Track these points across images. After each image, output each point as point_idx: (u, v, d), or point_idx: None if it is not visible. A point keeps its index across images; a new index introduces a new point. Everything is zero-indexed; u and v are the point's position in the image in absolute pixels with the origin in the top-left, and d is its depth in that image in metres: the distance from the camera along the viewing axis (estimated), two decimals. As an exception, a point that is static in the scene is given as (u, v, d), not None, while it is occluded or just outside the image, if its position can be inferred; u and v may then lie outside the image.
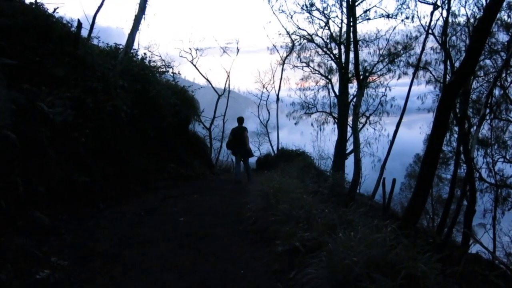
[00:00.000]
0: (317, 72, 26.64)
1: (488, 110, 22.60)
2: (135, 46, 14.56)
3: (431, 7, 22.90)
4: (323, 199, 7.98)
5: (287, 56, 26.81)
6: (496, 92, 23.27)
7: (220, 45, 26.11)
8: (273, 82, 28.59)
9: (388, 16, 23.92)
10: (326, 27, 25.09)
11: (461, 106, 20.47)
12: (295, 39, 26.08)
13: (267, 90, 28.44)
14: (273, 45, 27.01)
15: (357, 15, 23.09)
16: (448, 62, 22.08)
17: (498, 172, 24.39)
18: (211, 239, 6.93)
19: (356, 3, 22.93)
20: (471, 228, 19.44)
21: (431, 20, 23.08)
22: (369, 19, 24.37)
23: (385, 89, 25.59)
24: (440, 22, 23.13)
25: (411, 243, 4.50)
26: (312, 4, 24.95)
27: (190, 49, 24.63)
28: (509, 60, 21.29)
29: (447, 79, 21.99)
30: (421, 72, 25.00)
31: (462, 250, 13.99)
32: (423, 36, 23.75)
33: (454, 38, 23.89)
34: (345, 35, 23.80)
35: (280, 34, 26.50)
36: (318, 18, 25.20)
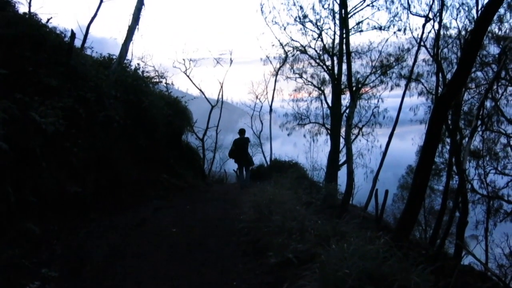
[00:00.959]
0: (310, 83, 26.77)
1: (479, 122, 22.78)
2: (129, 56, 14.58)
3: (423, 20, 23.20)
4: (316, 210, 7.98)
5: (280, 67, 26.96)
6: (488, 104, 23.49)
7: (214, 56, 26.29)
8: (266, 93, 28.71)
9: (380, 28, 24.16)
10: (319, 39, 25.28)
11: (453, 118, 20.64)
12: (288, 50, 26.24)
13: (260, 101, 28.55)
14: (266, 56, 27.17)
15: (350, 27, 23.27)
16: (440, 74, 22.28)
17: (490, 184, 24.52)
18: (204, 250, 6.89)
19: (349, 15, 23.13)
20: (464, 240, 19.51)
21: (423, 32, 23.35)
22: (361, 31, 24.61)
23: (378, 101, 25.76)
24: (432, 35, 23.42)
25: (404, 255, 4.50)
26: (305, 16, 25.14)
27: (183, 59, 24.76)
28: (500, 72, 21.52)
29: (439, 91, 22.16)
30: (413, 84, 25.21)
31: (455, 262, 14.02)
32: (415, 48, 24.01)
33: (446, 50, 24.15)
34: (338, 46, 23.96)
35: (273, 45, 26.64)
36: (311, 30, 25.40)
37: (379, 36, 24.57)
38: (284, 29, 25.81)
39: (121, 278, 5.47)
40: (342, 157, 23.76)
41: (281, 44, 26.19)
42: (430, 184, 24.69)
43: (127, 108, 11.52)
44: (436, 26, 22.55)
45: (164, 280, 5.43)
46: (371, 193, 21.75)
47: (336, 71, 24.22)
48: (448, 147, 24.01)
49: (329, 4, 24.64)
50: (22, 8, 10.73)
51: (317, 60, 25.56)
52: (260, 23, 29.45)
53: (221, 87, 26.40)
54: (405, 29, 23.89)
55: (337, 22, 24.08)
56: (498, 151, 24.47)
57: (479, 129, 23.22)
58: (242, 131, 15.52)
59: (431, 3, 23.03)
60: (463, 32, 22.77)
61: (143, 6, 13.06)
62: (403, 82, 24.83)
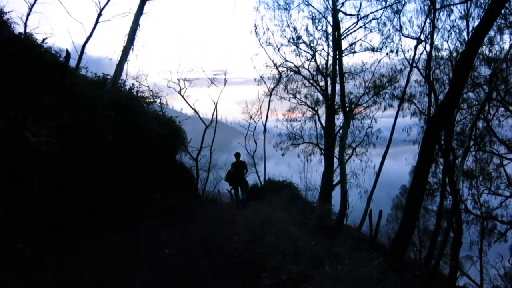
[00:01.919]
0: (304, 103, 26.96)
1: (472, 142, 22.95)
2: (124, 76, 14.64)
3: (415, 42, 23.55)
4: (310, 231, 7.95)
5: (274, 87, 27.16)
6: (480, 124, 23.71)
7: (208, 76, 26.35)
8: (260, 113, 28.82)
9: (373, 50, 24.49)
10: (313, 60, 25.60)
11: (445, 138, 20.79)
12: (282, 71, 26.51)
13: (254, 121, 28.65)
14: (261, 76, 27.39)
15: (343, 48, 23.61)
16: (432, 95, 22.54)
17: (483, 204, 24.57)
18: (197, 272, 6.81)
19: (342, 37, 23.47)
20: (458, 261, 19.44)
21: (415, 54, 23.70)
22: (354, 52, 24.94)
23: (371, 121, 25.95)
24: (424, 56, 23.77)
25: (398, 277, 4.48)
26: (299, 37, 25.46)
27: (178, 79, 24.77)
28: (492, 93, 21.78)
29: (431, 112, 22.37)
30: (406, 105, 25.46)
31: (450, 283, 13.95)
32: (408, 69, 24.35)
33: (438, 71, 24.50)
34: (331, 67, 24.22)
35: (267, 66, 26.90)
36: (304, 51, 25.73)
37: (372, 57, 24.89)
38: (278, 50, 26.13)
39: (113, 300, 5.39)
40: (336, 177, 23.80)
41: (275, 64, 26.51)
42: (424, 204, 24.71)
43: (121, 128, 11.50)
44: (428, 47, 22.90)
45: (156, 302, 5.36)
46: (365, 213, 21.73)
47: (329, 92, 24.44)
48: (441, 167, 24.13)
49: (322, 26, 25.04)
50: (18, 28, 10.78)
51: (311, 81, 25.83)
52: (254, 44, 29.91)
53: (215, 107, 26.52)
54: (397, 51, 24.28)
55: (331, 43, 24.48)
56: (491, 171, 24.60)
57: (472, 149, 23.40)
58: (238, 155, 16.73)
59: (422, 25, 23.49)
60: (454, 54, 23.17)
61: (138, 27, 13.17)
62: (396, 103, 25.11)
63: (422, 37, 23.45)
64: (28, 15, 15.93)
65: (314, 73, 25.61)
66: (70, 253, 7.33)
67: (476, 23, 21.28)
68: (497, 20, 20.22)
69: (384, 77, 25.21)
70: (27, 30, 10.68)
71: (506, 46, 22.84)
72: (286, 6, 25.41)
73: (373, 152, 26.08)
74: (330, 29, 24.43)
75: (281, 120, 28.14)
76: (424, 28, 23.44)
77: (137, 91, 15.54)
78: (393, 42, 24.33)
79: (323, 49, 25.52)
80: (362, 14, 23.98)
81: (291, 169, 28.66)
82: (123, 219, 10.57)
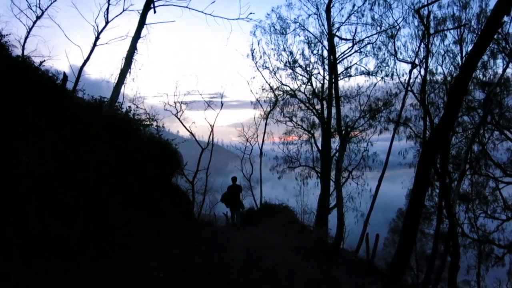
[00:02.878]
0: (300, 126, 27.07)
1: (468, 166, 23.02)
2: (120, 99, 14.67)
3: (409, 66, 23.82)
4: (306, 255, 7.88)
5: (270, 110, 27.25)
6: (475, 148, 23.82)
7: (205, 99, 26.36)
8: (257, 136, 28.81)
9: (368, 74, 24.77)
10: (309, 83, 25.84)
11: (441, 162, 20.84)
12: (279, 94, 26.66)
13: (251, 144, 28.62)
14: (257, 99, 27.50)
15: (339, 72, 23.87)
16: (428, 119, 22.69)
17: (480, 228, 24.50)
18: (192, 297, 6.72)
19: (338, 61, 23.75)
20: (456, 285, 19.28)
21: (409, 78, 23.95)
22: (350, 76, 25.21)
23: (367, 144, 25.99)
24: (419, 80, 24.02)
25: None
26: (295, 61, 25.73)
27: (175, 102, 24.78)
28: (486, 117, 21.96)
29: (427, 135, 22.49)
30: (401, 128, 25.63)
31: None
32: (403, 93, 24.53)
33: (432, 95, 24.76)
34: (327, 91, 24.37)
35: (264, 89, 27.07)
36: (301, 75, 25.99)
37: (367, 81, 25.06)
38: (275, 73, 26.36)
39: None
40: (333, 201, 23.72)
41: (271, 88, 26.69)
42: (420, 228, 24.62)
43: (117, 151, 11.48)
44: (423, 72, 23.18)
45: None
46: (362, 237, 21.63)
47: (325, 115, 24.55)
48: (437, 190, 24.12)
49: (318, 50, 25.36)
50: (17, 51, 10.86)
51: (307, 104, 26.00)
52: (251, 68, 30.21)
53: (212, 130, 26.50)
54: (392, 75, 24.55)
55: (326, 67, 24.68)
56: (487, 195, 24.59)
57: (467, 172, 23.45)
58: (234, 179, 17.97)
59: (417, 50, 23.79)
60: (449, 78, 23.44)
61: (135, 51, 13.29)
62: (391, 126, 25.24)
63: (416, 62, 23.77)
64: (26, 38, 16.05)
65: (310, 96, 25.83)
66: (63, 277, 7.22)
67: (470, 47, 21.62)
68: (490, 45, 20.54)
69: (380, 101, 25.40)
70: (25, 53, 10.75)
71: (500, 71, 23.17)
72: (282, 31, 25.74)
73: (369, 176, 26.07)
74: (325, 53, 24.74)
75: (278, 143, 28.23)
76: (419, 52, 23.79)
77: (134, 114, 15.56)
78: (388, 66, 24.65)
79: (319, 73, 25.79)
80: (357, 39, 24.35)
81: (287, 192, 28.58)
82: (118, 242, 10.45)
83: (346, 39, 24.45)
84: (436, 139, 7.53)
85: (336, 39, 23.92)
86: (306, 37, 25.52)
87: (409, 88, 24.08)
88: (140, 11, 13.69)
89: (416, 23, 23.80)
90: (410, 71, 23.87)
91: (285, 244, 8.53)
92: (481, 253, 23.72)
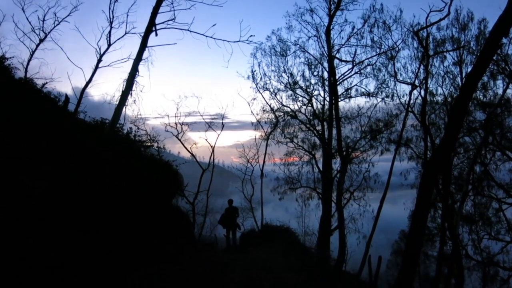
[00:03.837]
0: (301, 147, 27.03)
1: (470, 187, 22.90)
2: (122, 120, 14.73)
3: (409, 87, 23.91)
4: (308, 277, 7.77)
5: (271, 131, 27.25)
6: (477, 168, 23.73)
7: (206, 120, 26.43)
8: (258, 157, 28.77)
9: (368, 95, 24.83)
10: (309, 104, 25.90)
11: (443, 183, 20.74)
12: (279, 115, 26.71)
13: (252, 165, 28.57)
14: (258, 120, 27.52)
15: (339, 93, 23.97)
16: (429, 139, 22.66)
17: (484, 249, 24.21)
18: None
19: (338, 82, 23.88)
20: (461, 308, 18.97)
21: (410, 99, 23.99)
22: (350, 97, 25.25)
23: (368, 165, 25.83)
24: (419, 101, 24.04)
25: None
26: (295, 83, 25.85)
27: (175, 124, 24.85)
28: (488, 137, 21.94)
29: (428, 156, 22.43)
30: (402, 149, 25.56)
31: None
32: (403, 114, 24.53)
33: (433, 116, 24.77)
34: (327, 112, 24.42)
35: (264, 110, 27.14)
36: (301, 96, 26.08)
37: (367, 102, 25.13)
38: (275, 95, 26.47)
39: None
40: (334, 222, 23.52)
41: (272, 109, 26.77)
42: (424, 249, 24.37)
43: (117, 172, 11.45)
44: (423, 93, 23.24)
45: None
46: (364, 259, 21.36)
47: (326, 136, 24.54)
48: (440, 211, 23.95)
49: (318, 72, 25.50)
50: (19, 74, 10.95)
51: (308, 125, 26.02)
52: (251, 89, 30.37)
53: (213, 151, 26.52)
54: (392, 96, 24.62)
55: (327, 88, 24.79)
56: (490, 216, 24.36)
57: (470, 193, 23.31)
58: (230, 201, 19.04)
59: (417, 71, 23.90)
60: (449, 99, 23.49)
61: (137, 73, 13.38)
62: (392, 147, 25.16)
63: (416, 83, 23.84)
64: (29, 60, 16.24)
65: (311, 117, 25.86)
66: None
67: (469, 69, 21.74)
68: (490, 66, 20.66)
69: (380, 122, 25.39)
70: (28, 75, 10.84)
71: (500, 91, 23.24)
72: (282, 53, 25.93)
73: (371, 197, 25.88)
74: (326, 75, 24.85)
75: (279, 164, 28.12)
76: (419, 73, 23.88)
77: (135, 135, 15.59)
78: (388, 87, 24.71)
79: (319, 94, 25.87)
80: (357, 61, 24.45)
81: (288, 213, 28.40)
82: (118, 266, 10.34)
83: (346, 61, 24.62)
84: (437, 160, 7.50)
85: (336, 61, 24.10)
86: (307, 59, 25.70)
87: (409, 109, 24.10)
88: (142, 34, 13.84)
89: (415, 45, 23.99)
90: (410, 92, 23.93)
91: (286, 266, 8.43)
92: (486, 276, 23.38)
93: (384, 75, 24.59)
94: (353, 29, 24.28)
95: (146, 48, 13.80)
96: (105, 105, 15.06)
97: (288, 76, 26.07)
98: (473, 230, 24.38)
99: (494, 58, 19.58)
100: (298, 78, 26.04)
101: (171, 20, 14.40)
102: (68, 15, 17.54)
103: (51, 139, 9.23)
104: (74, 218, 8.98)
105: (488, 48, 9.21)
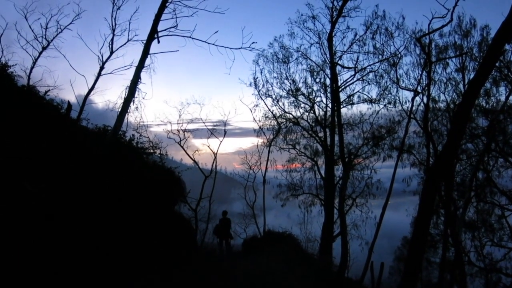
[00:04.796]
0: (303, 154, 27.01)
1: (473, 193, 22.84)
2: (124, 127, 14.76)
3: (412, 93, 23.93)
4: (310, 284, 7.77)
5: (273, 138, 27.22)
6: (480, 175, 23.69)
7: (208, 127, 26.45)
8: (260, 164, 28.72)
9: (371, 101, 24.85)
10: (312, 111, 25.91)
11: (446, 189, 20.70)
12: (281, 122, 26.70)
13: (254, 172, 28.49)
14: (260, 127, 27.48)
15: (341, 100, 23.99)
16: (431, 146, 22.63)
17: (487, 256, 24.13)
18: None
19: (340, 89, 23.89)
20: (464, 315, 18.89)
21: (412, 105, 24.01)
22: (352, 103, 25.27)
23: (371, 171, 25.81)
24: (422, 107, 24.05)
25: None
26: (297, 89, 25.89)
27: (178, 130, 24.88)
28: (490, 144, 21.91)
29: (430, 163, 22.41)
30: (405, 155, 25.55)
31: None
32: (406, 120, 24.51)
33: (435, 122, 24.75)
34: (329, 118, 24.44)
35: (266, 117, 27.11)
36: (303, 102, 26.11)
37: (370, 109, 25.10)
38: (277, 101, 26.50)
39: None
40: (337, 228, 23.47)
41: (274, 116, 26.76)
42: (426, 256, 24.29)
43: (120, 178, 11.49)
44: (425, 99, 23.24)
45: None
46: (366, 265, 21.31)
47: (328, 143, 24.55)
48: (442, 218, 23.89)
49: (320, 78, 25.53)
50: (22, 81, 11.02)
51: (310, 132, 26.01)
52: (253, 96, 30.37)
53: (215, 157, 26.51)
54: (395, 102, 24.64)
55: (329, 95, 24.82)
56: (493, 223, 24.30)
57: (472, 200, 23.26)
58: (225, 213, 19.58)
59: (419, 77, 23.93)
60: (451, 105, 23.49)
61: (139, 80, 13.44)
62: (395, 154, 25.15)
63: (419, 89, 23.89)
64: (32, 68, 16.32)
65: (313, 124, 25.86)
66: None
67: (472, 75, 21.76)
68: (492, 73, 20.68)
69: (383, 128, 25.38)
70: (31, 83, 10.92)
71: (502, 98, 23.26)
72: (285, 59, 26.00)
73: (373, 203, 25.83)
74: (328, 82, 24.91)
75: (281, 170, 28.06)
76: (421, 80, 23.91)
77: (137, 142, 15.63)
78: (391, 94, 24.72)
79: (321, 100, 25.89)
80: (359, 67, 24.50)
81: (291, 220, 28.29)
82: (121, 272, 10.34)
83: (348, 68, 24.69)
84: (439, 166, 7.51)
85: (338, 68, 24.16)
86: (309, 66, 25.76)
87: (412, 116, 24.11)
88: (144, 41, 13.91)
89: (417, 52, 24.08)
90: (413, 99, 23.96)
91: (289, 273, 8.42)
92: (488, 282, 23.29)
93: (386, 82, 24.65)
94: (355, 35, 24.40)
95: (149, 55, 13.86)
96: (108, 113, 15.12)
97: (290, 83, 26.15)
98: (475, 236, 24.32)
99: (497, 64, 19.61)
100: (300, 85, 26.10)
101: (173, 27, 14.48)
102: (71, 23, 17.67)
103: (54, 146, 9.27)
104: (78, 225, 9.00)
105: (491, 54, 9.23)
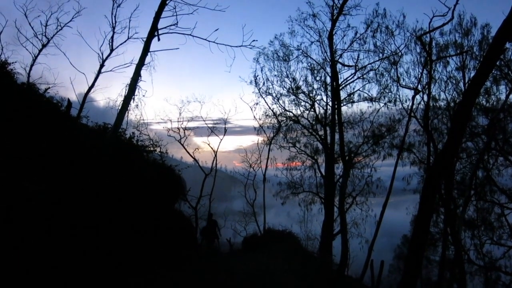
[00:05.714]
0: (303, 152, 26.99)
1: (473, 192, 22.85)
2: (124, 125, 14.75)
3: (412, 92, 23.91)
4: (310, 282, 7.78)
5: (273, 136, 27.20)
6: (480, 174, 23.69)
7: (208, 125, 26.45)
8: (260, 162, 28.71)
9: (371, 100, 24.85)
10: (312, 109, 25.90)
11: (446, 188, 20.70)
12: (282, 120, 26.67)
13: (254, 170, 28.47)
14: (260, 125, 27.46)
15: (341, 98, 23.96)
16: (431, 144, 22.62)
17: (486, 254, 24.15)
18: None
19: (340, 87, 23.87)
20: (463, 313, 18.91)
21: (412, 104, 23.99)
22: (353, 102, 25.28)
23: (371, 170, 25.84)
24: (422, 106, 24.04)
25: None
26: (298, 88, 25.87)
27: (178, 128, 24.89)
28: (490, 143, 21.91)
29: (431, 161, 22.40)
30: (405, 154, 25.53)
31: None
32: (406, 119, 24.50)
33: (436, 121, 24.73)
34: (330, 117, 24.45)
35: (267, 115, 27.09)
36: (304, 101, 26.10)
37: (370, 107, 25.09)
38: (278, 99, 26.47)
39: None
40: (337, 227, 23.49)
41: (274, 114, 26.72)
42: (426, 254, 24.29)
43: (120, 176, 11.48)
44: (426, 98, 23.22)
45: None
46: (366, 263, 21.33)
47: (329, 141, 24.55)
48: (442, 216, 23.90)
49: (321, 77, 25.53)
50: (22, 79, 11.01)
51: (310, 130, 25.99)
52: (254, 94, 30.26)
53: (215, 156, 26.51)
54: (395, 101, 24.63)
55: (329, 93, 24.82)
56: (492, 221, 24.31)
57: (472, 198, 23.27)
58: (211, 215, 20.65)
59: (419, 76, 23.90)
60: (452, 104, 23.47)
61: (139, 78, 13.41)
62: (395, 152, 25.14)
63: (419, 88, 23.86)
64: (31, 65, 16.31)
65: (313, 122, 25.84)
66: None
67: (472, 74, 21.74)
68: (493, 72, 20.66)
69: (383, 127, 25.38)
70: (31, 80, 10.91)
71: (503, 97, 23.26)
72: (285, 58, 25.98)
73: (373, 201, 25.84)
74: (328, 80, 24.92)
75: (281, 168, 28.07)
76: (421, 79, 23.88)
77: (137, 140, 15.62)
78: (391, 92, 24.71)
79: (322, 99, 25.88)
80: (359, 65, 24.51)
81: (291, 218, 28.31)
82: (121, 271, 10.34)
83: (348, 66, 24.66)
84: (440, 165, 7.51)
85: (338, 66, 24.14)
86: (309, 64, 25.77)
87: (412, 114, 24.09)
88: (144, 39, 13.89)
89: (418, 50, 24.06)
90: (413, 97, 23.93)
91: (289, 271, 8.42)
92: (488, 280, 23.31)
93: (386, 80, 24.64)
94: (356, 34, 24.40)
95: (149, 53, 13.82)
96: (108, 110, 15.11)
97: (290, 81, 26.14)
98: (475, 235, 24.33)
99: (497, 63, 19.58)
100: (300, 83, 26.09)
101: (174, 25, 14.43)
102: (71, 21, 17.69)
103: (53, 144, 9.27)
104: (78, 225, 9.00)
105: (492, 53, 9.22)
